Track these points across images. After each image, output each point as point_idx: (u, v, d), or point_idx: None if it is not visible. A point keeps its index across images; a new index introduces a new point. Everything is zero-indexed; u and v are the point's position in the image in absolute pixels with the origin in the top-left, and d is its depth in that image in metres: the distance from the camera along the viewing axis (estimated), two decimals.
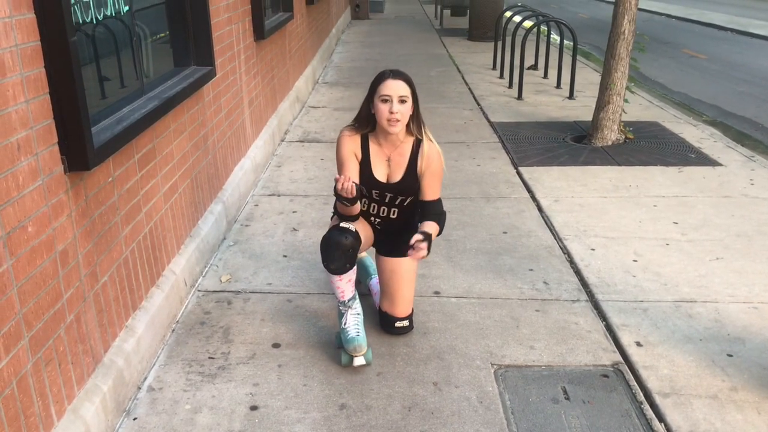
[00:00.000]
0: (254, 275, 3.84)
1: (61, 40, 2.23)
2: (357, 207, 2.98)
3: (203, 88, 4.02)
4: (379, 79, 2.96)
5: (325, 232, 3.03)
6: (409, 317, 3.26)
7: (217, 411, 2.71)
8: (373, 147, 3.07)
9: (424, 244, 2.87)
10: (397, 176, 3.07)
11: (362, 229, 3.14)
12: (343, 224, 3.00)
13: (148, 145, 3.17)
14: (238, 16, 5.00)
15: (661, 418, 2.72)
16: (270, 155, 5.98)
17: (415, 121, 3.03)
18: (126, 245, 2.91)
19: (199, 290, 3.67)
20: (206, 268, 3.89)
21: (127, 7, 3.10)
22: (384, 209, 3.15)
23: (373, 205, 3.15)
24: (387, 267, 3.22)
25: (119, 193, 2.84)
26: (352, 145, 3.07)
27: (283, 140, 6.56)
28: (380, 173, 3.08)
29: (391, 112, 2.89)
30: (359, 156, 3.07)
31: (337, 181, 2.82)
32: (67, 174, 2.38)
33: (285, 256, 4.08)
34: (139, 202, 3.07)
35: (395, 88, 2.91)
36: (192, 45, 4.01)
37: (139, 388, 2.85)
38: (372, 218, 3.19)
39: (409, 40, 13.82)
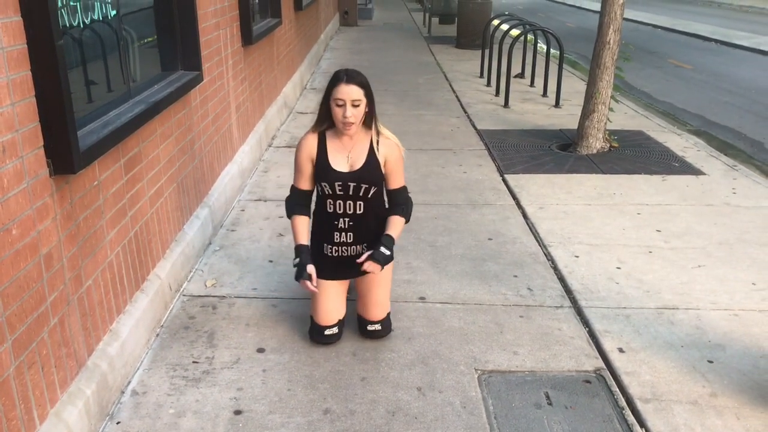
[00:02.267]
0: (239, 280, 3.85)
1: (48, 43, 2.24)
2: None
3: (190, 92, 4.02)
4: (335, 81, 3.02)
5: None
6: (382, 321, 3.26)
7: (201, 415, 2.71)
8: (332, 143, 3.13)
9: (375, 266, 3.08)
10: (358, 165, 3.11)
11: (340, 298, 3.29)
12: (327, 332, 3.21)
13: (134, 149, 3.17)
14: (225, 22, 5.01)
15: (642, 424, 2.75)
16: (257, 160, 5.99)
17: (371, 118, 3.11)
18: (111, 249, 2.91)
19: (184, 295, 3.67)
20: (191, 273, 3.89)
21: (114, 12, 3.10)
22: (350, 204, 3.12)
23: (338, 202, 3.12)
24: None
25: (105, 196, 2.84)
26: (308, 148, 3.14)
27: (270, 145, 6.57)
28: (340, 165, 3.11)
29: (345, 116, 2.98)
30: (314, 157, 3.13)
31: (303, 285, 3.08)
32: (52, 177, 2.38)
33: (271, 261, 4.09)
34: (125, 206, 3.07)
35: (348, 92, 2.97)
36: (179, 50, 4.02)
37: (123, 392, 2.84)
38: (340, 220, 3.14)
39: (397, 48, 13.88)
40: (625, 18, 6.32)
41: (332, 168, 3.08)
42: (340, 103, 2.97)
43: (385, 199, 3.26)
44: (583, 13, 25.49)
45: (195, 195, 4.17)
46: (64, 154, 2.36)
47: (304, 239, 3.17)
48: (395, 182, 3.21)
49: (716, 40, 17.18)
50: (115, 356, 2.81)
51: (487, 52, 10.29)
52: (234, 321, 3.42)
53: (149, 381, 2.93)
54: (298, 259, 3.13)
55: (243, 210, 4.91)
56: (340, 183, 3.07)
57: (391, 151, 3.15)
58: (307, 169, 3.15)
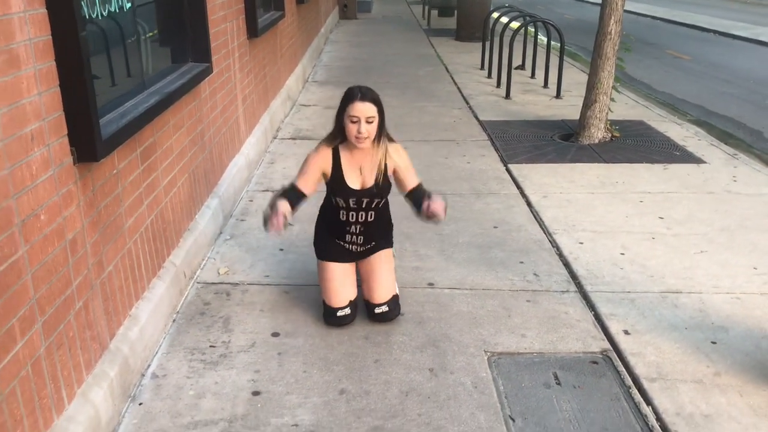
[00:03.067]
0: (251, 268, 3.92)
1: (71, 34, 2.30)
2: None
3: (200, 84, 4.09)
4: (349, 99, 3.11)
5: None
6: (388, 303, 3.34)
7: (221, 396, 2.79)
8: (344, 157, 3.23)
9: (440, 203, 3.15)
10: (370, 181, 3.23)
11: (350, 277, 3.38)
12: (340, 312, 3.28)
13: (149, 139, 3.24)
14: (232, 14, 5.07)
15: (648, 402, 2.83)
16: (263, 152, 6.05)
17: (381, 133, 3.19)
18: (129, 236, 2.98)
19: (198, 282, 3.74)
20: (204, 261, 3.97)
21: (129, 4, 3.17)
22: (362, 214, 3.28)
23: (351, 213, 3.27)
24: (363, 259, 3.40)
25: (123, 185, 2.91)
26: (323, 162, 3.23)
27: (275, 137, 6.63)
28: (354, 182, 3.23)
29: (359, 132, 3.08)
30: (329, 172, 3.23)
31: (272, 216, 3.05)
32: (75, 165, 2.45)
33: (281, 249, 4.16)
34: (141, 195, 3.14)
35: (363, 110, 3.07)
36: (189, 42, 4.08)
37: (143, 375, 2.92)
38: (352, 227, 3.29)
39: (397, 40, 13.93)
40: (624, 9, 6.38)
41: (347, 185, 3.20)
42: (355, 119, 3.07)
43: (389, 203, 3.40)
44: (581, 5, 25.51)
45: (205, 185, 4.25)
46: (88, 143, 2.43)
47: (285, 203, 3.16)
48: (411, 182, 3.32)
49: (715, 31, 17.23)
50: (136, 340, 2.89)
51: (487, 44, 10.36)
52: (248, 307, 3.49)
53: (168, 364, 3.01)
54: (272, 206, 3.13)
55: (251, 200, 4.98)
56: (354, 199, 3.21)
57: (398, 157, 3.27)
58: (315, 177, 3.25)
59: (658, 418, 2.73)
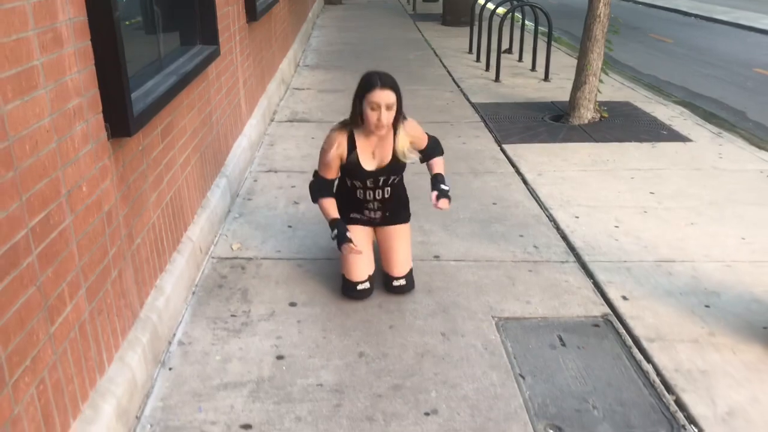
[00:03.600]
0: (263, 243, 4.06)
1: (107, 15, 2.42)
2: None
3: (209, 66, 4.20)
4: (369, 85, 3.18)
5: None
6: (406, 277, 3.50)
7: (246, 361, 2.94)
8: (360, 141, 3.35)
9: (443, 201, 3.35)
10: (385, 162, 3.37)
11: (369, 252, 3.52)
12: (360, 286, 3.41)
13: (167, 118, 3.36)
14: None
15: (648, 360, 3.01)
16: (262, 134, 6.17)
17: (398, 119, 3.30)
18: (153, 211, 3.11)
19: (212, 257, 3.87)
20: (217, 238, 4.10)
21: None
22: (379, 192, 3.44)
23: (368, 191, 3.44)
24: (383, 233, 3.55)
25: (147, 161, 3.04)
26: (339, 147, 3.34)
27: (272, 120, 6.74)
28: (369, 164, 3.37)
29: (379, 120, 3.18)
30: (345, 157, 3.35)
31: (348, 249, 3.29)
32: (110, 140, 2.57)
33: (290, 226, 4.30)
34: (162, 172, 3.26)
35: (384, 97, 3.15)
36: (198, 24, 4.19)
37: (170, 343, 3.06)
38: (369, 204, 3.46)
39: (383, 25, 14.02)
40: None
41: (363, 168, 3.34)
42: (375, 107, 3.15)
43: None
44: None
45: (214, 165, 4.37)
46: (121, 119, 2.55)
47: (336, 214, 3.40)
48: (423, 142, 3.51)
49: (696, 15, 17.49)
50: (163, 309, 3.02)
51: (475, 28, 10.49)
52: (264, 279, 3.63)
53: (193, 332, 3.15)
54: (336, 230, 3.34)
55: (256, 180, 5.11)
56: (371, 179, 3.36)
57: (412, 130, 3.42)
58: (335, 164, 3.37)
59: (659, 374, 2.91)
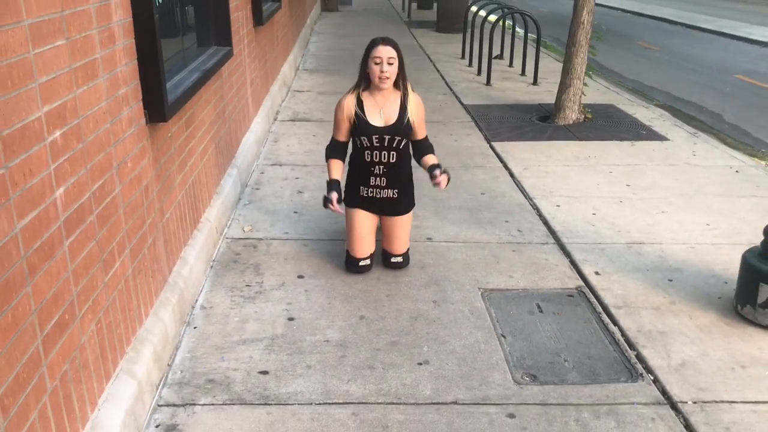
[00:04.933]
0: (272, 226, 4.47)
1: (148, 17, 2.83)
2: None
3: (223, 66, 4.60)
4: (372, 45, 3.66)
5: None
6: (403, 255, 3.91)
7: (262, 321, 3.34)
8: (367, 101, 3.74)
9: (443, 176, 3.72)
10: (392, 121, 3.73)
11: (371, 233, 3.88)
12: (362, 263, 3.82)
13: (190, 110, 3.76)
14: (242, 4, 5.58)
15: (615, 323, 3.43)
16: (267, 132, 6.58)
17: (402, 79, 3.74)
18: (179, 191, 3.51)
19: (227, 238, 4.28)
20: (230, 221, 4.50)
21: None
22: (384, 154, 3.72)
23: (375, 152, 3.72)
24: (388, 221, 3.90)
25: (174, 147, 3.44)
26: (347, 109, 3.75)
27: (275, 119, 7.16)
28: (376, 121, 3.72)
29: (382, 71, 3.62)
30: (353, 116, 3.74)
31: (329, 204, 3.69)
32: (147, 125, 2.98)
33: (296, 212, 4.71)
34: (185, 157, 3.66)
35: (385, 51, 3.61)
36: (213, 27, 4.60)
37: (193, 307, 3.46)
38: (376, 167, 3.74)
39: (379, 31, 14.31)
40: (596, 3, 6.99)
41: (370, 124, 3.69)
42: (378, 61, 3.60)
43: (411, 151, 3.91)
44: None
45: (227, 156, 4.77)
46: (158, 107, 2.96)
47: (336, 175, 3.81)
48: (421, 133, 3.87)
49: (682, 24, 18.01)
50: (187, 277, 3.42)
51: (467, 35, 10.94)
52: (274, 256, 4.04)
53: (213, 299, 3.55)
54: (328, 190, 3.75)
55: (262, 173, 5.51)
56: (377, 136, 3.69)
57: (417, 108, 3.79)
58: (345, 126, 3.77)
59: (623, 334, 3.33)
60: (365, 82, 3.73)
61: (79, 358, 2.23)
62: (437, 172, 3.73)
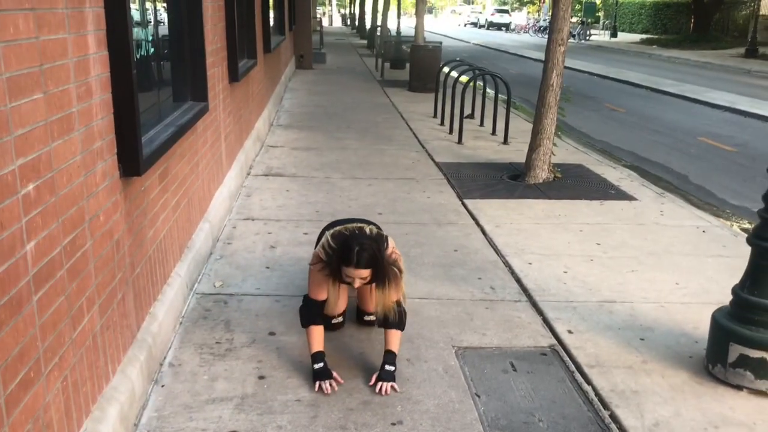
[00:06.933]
0: (243, 282, 4.42)
1: (127, 72, 2.84)
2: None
3: (198, 121, 4.62)
4: (346, 258, 3.17)
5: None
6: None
7: (232, 380, 3.27)
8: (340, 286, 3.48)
9: (386, 386, 3.23)
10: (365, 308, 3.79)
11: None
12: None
13: (164, 164, 3.75)
14: (218, 61, 5.64)
15: (588, 382, 3.42)
16: (240, 186, 6.57)
17: (380, 279, 3.29)
18: (150, 245, 3.47)
19: (197, 293, 4.22)
20: (200, 276, 4.44)
21: (153, 49, 3.72)
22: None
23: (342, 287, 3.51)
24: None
25: (147, 201, 3.41)
26: (326, 283, 3.38)
27: (249, 174, 7.16)
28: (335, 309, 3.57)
29: (354, 286, 3.36)
30: (331, 282, 3.38)
31: (325, 387, 3.21)
32: (121, 179, 2.96)
33: (268, 267, 4.67)
34: (158, 211, 3.63)
35: (357, 274, 3.21)
36: (189, 83, 4.63)
37: (162, 365, 3.38)
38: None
39: (353, 90, 14.68)
40: (565, 66, 7.20)
41: (327, 316, 3.52)
42: (348, 280, 3.27)
43: None
44: (524, 61, 26.94)
45: (199, 210, 4.75)
46: (133, 160, 2.95)
47: (320, 347, 3.34)
48: (395, 297, 3.37)
49: (646, 87, 18.58)
50: (156, 333, 3.35)
51: (439, 95, 11.16)
52: (245, 312, 3.98)
53: (182, 356, 3.47)
54: (320, 365, 3.28)
55: (235, 227, 5.48)
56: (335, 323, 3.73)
57: (394, 289, 3.34)
58: (325, 286, 3.38)
59: (597, 394, 3.32)
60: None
61: (43, 418, 2.15)
62: (374, 377, 3.27)
